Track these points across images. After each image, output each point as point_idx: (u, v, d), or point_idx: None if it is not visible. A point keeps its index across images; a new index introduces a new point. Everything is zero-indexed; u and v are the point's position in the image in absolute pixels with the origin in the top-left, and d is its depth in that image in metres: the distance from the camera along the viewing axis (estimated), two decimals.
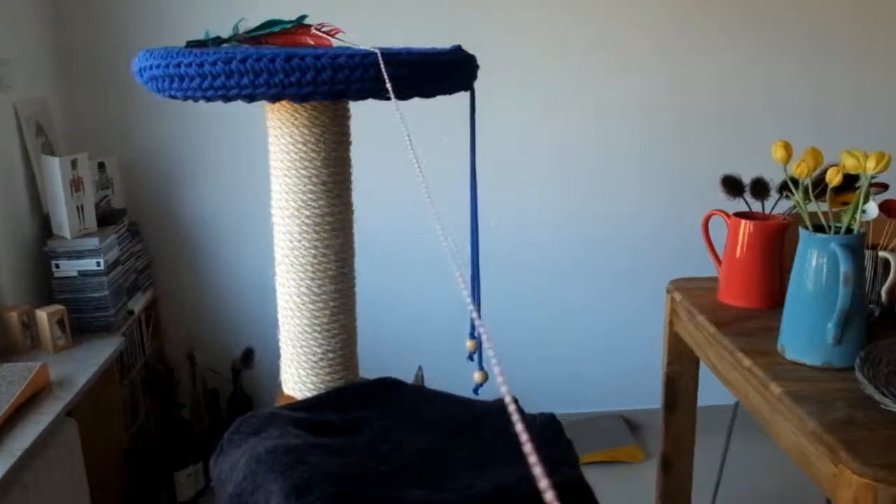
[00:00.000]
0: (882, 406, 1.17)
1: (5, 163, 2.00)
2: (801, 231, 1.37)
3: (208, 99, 0.84)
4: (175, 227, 2.52)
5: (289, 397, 1.02)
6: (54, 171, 2.03)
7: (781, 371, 1.35)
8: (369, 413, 0.93)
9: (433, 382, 2.47)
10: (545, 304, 2.64)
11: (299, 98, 0.83)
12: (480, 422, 0.92)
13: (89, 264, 2.08)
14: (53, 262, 2.07)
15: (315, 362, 0.99)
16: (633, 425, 2.74)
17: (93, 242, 2.07)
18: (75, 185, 2.07)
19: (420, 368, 1.97)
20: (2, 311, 1.92)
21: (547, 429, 0.94)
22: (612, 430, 2.64)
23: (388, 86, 0.78)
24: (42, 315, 1.93)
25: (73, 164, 2.07)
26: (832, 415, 1.19)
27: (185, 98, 0.86)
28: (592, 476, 2.45)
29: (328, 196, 0.94)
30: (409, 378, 2.27)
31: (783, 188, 1.57)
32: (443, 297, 2.60)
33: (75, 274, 2.09)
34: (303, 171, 0.93)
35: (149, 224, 2.51)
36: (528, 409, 2.78)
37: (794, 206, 1.52)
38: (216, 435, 2.45)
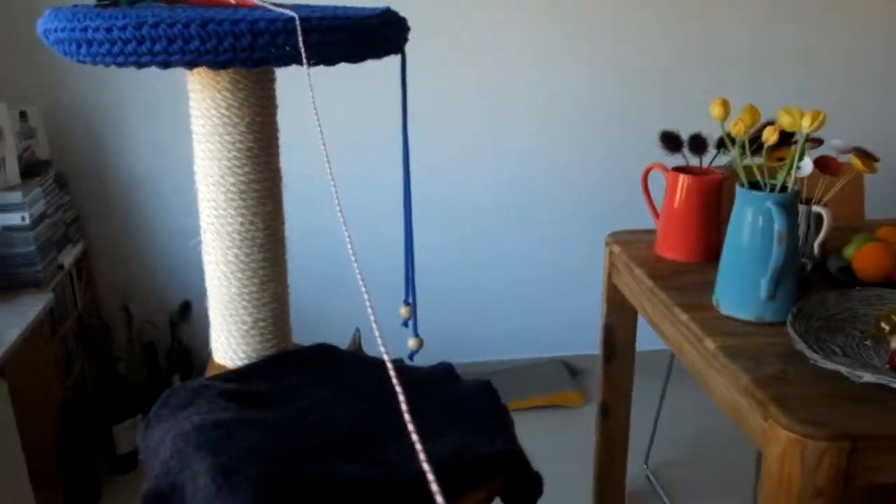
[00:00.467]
0: (812, 361, 1.20)
1: None
2: (738, 188, 1.38)
3: (119, 65, 0.79)
4: (104, 177, 2.43)
5: (220, 366, 1.00)
6: None
7: (716, 326, 1.38)
8: (302, 381, 0.91)
9: (371, 347, 2.47)
10: (486, 249, 2.64)
11: (217, 65, 0.78)
12: (416, 390, 0.92)
13: (14, 219, 2.00)
14: None
15: (245, 331, 0.96)
16: (575, 371, 2.79)
17: (16, 197, 1.98)
18: None
19: (357, 331, 1.95)
20: None
21: (483, 396, 0.93)
22: (553, 376, 2.68)
23: (304, 56, 0.74)
24: None
25: None
26: (764, 370, 1.21)
27: (95, 63, 0.81)
28: (533, 421, 2.51)
29: (254, 163, 0.90)
30: (345, 342, 2.26)
31: (721, 144, 1.57)
32: (382, 259, 2.58)
33: None
34: (226, 137, 0.88)
35: (76, 175, 2.41)
36: (468, 358, 2.79)
37: (732, 162, 1.53)
38: (154, 388, 2.43)
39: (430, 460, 0.80)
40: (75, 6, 0.87)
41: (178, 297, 2.53)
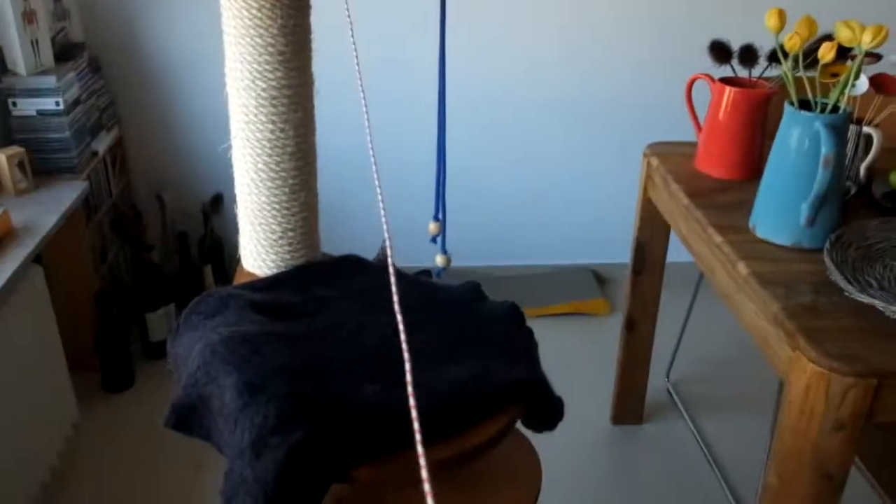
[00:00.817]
0: (846, 293, 1.17)
1: None
2: (786, 106, 1.32)
3: None
4: (139, 61, 2.40)
5: (249, 273, 1.00)
6: (3, 2, 1.89)
7: (750, 249, 1.35)
8: (330, 294, 0.91)
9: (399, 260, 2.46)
10: (518, 153, 2.59)
11: None
12: (444, 309, 0.91)
13: (48, 104, 1.99)
14: (10, 101, 1.98)
15: (274, 241, 0.96)
16: (602, 279, 2.78)
17: (50, 81, 1.96)
18: (28, 17, 1.94)
19: (385, 242, 1.91)
20: None
21: (508, 318, 0.93)
22: (581, 283, 2.68)
23: None
24: (1, 157, 1.86)
25: None
26: (796, 299, 1.19)
27: None
28: (558, 327, 2.53)
29: (286, 67, 0.87)
30: (372, 253, 2.25)
31: (772, 57, 1.50)
32: (414, 173, 2.54)
33: (34, 113, 2.00)
34: (258, 40, 0.85)
35: (111, 59, 2.38)
36: (495, 261, 2.78)
37: (783, 77, 1.46)
38: (186, 277, 2.47)
39: (451, 384, 0.80)
40: None
41: (211, 188, 2.54)
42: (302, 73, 0.90)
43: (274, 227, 0.95)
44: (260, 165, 0.92)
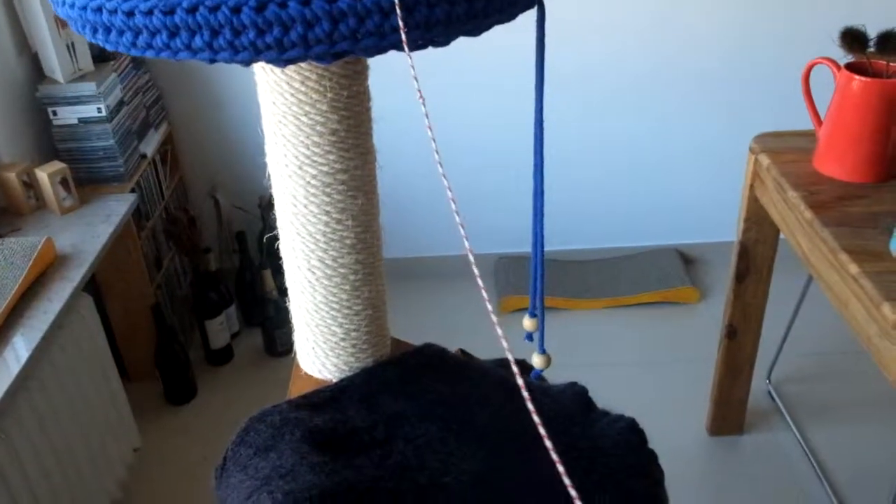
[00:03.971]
0: None
1: None
2: None
3: (154, 54, 0.57)
4: None
5: (306, 377, 0.84)
6: (34, 4, 1.74)
7: None
8: (404, 409, 0.75)
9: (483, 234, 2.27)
10: (600, 129, 2.36)
11: (282, 62, 0.55)
12: (548, 429, 0.74)
13: (90, 111, 1.85)
14: (50, 110, 1.85)
15: (335, 343, 0.79)
16: (688, 259, 2.56)
17: (90, 88, 1.82)
18: (61, 21, 1.79)
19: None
20: None
21: (627, 441, 0.75)
22: (668, 268, 2.47)
23: (405, 44, 0.50)
24: (43, 175, 1.74)
25: None
26: None
27: (118, 50, 0.59)
28: (645, 318, 2.33)
29: (339, 148, 0.69)
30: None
31: None
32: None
33: (76, 122, 1.86)
34: (303, 119, 0.66)
35: None
36: (579, 244, 2.57)
37: None
38: (247, 277, 2.34)
39: None
40: None
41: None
42: (360, 153, 0.71)
43: (334, 328, 0.78)
44: (314, 262, 0.75)
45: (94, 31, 0.58)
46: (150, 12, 0.53)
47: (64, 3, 0.59)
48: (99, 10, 0.55)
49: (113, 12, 0.54)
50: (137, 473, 1.89)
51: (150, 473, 1.90)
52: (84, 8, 0.56)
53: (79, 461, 1.58)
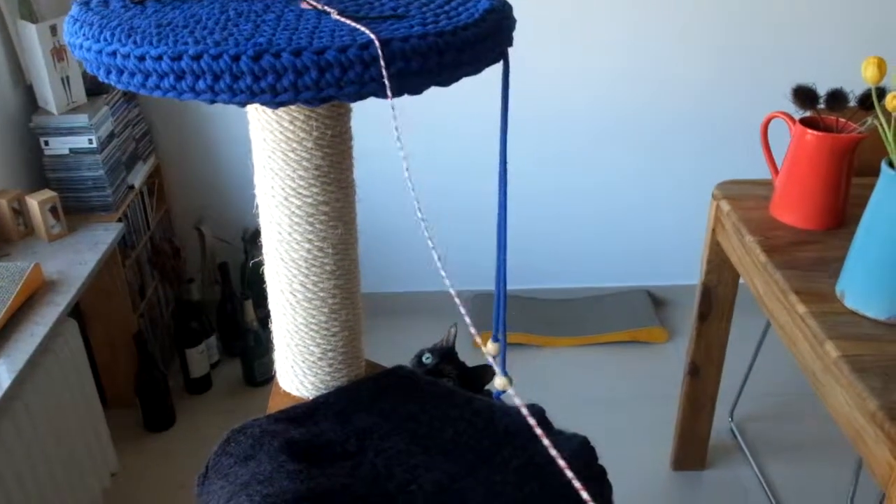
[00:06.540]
0: None
1: None
2: (883, 167, 1.18)
3: (162, 94, 0.65)
4: None
5: (285, 394, 0.90)
6: (32, 38, 1.81)
7: (840, 325, 1.21)
8: (376, 424, 0.81)
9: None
10: (573, 173, 2.45)
11: (275, 104, 0.63)
12: (504, 444, 0.80)
13: (81, 142, 1.92)
14: (42, 140, 1.91)
15: (313, 363, 0.86)
16: (658, 300, 2.65)
17: (82, 120, 1.89)
18: (57, 54, 1.86)
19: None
20: None
21: (578, 459, 0.82)
22: (638, 308, 2.55)
23: (388, 89, 0.58)
24: (33, 203, 1.80)
25: (53, 30, 1.85)
26: None
27: (129, 90, 0.66)
28: (613, 356, 2.40)
29: (322, 182, 0.77)
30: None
31: (865, 103, 1.34)
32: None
33: (67, 152, 1.93)
34: (290, 155, 0.74)
35: None
36: (552, 283, 2.65)
37: (870, 121, 1.32)
38: (228, 308, 2.39)
39: None
40: (105, 4, 0.71)
41: (252, 215, 2.45)
42: (342, 187, 0.79)
43: (312, 348, 0.85)
44: (296, 286, 0.82)
45: (108, 72, 0.65)
46: (159, 58, 0.61)
47: (81, 47, 0.66)
48: (113, 54, 0.63)
49: (126, 57, 0.62)
50: (114, 498, 1.91)
51: (127, 499, 1.93)
52: (100, 52, 0.64)
53: (58, 482, 1.61)
